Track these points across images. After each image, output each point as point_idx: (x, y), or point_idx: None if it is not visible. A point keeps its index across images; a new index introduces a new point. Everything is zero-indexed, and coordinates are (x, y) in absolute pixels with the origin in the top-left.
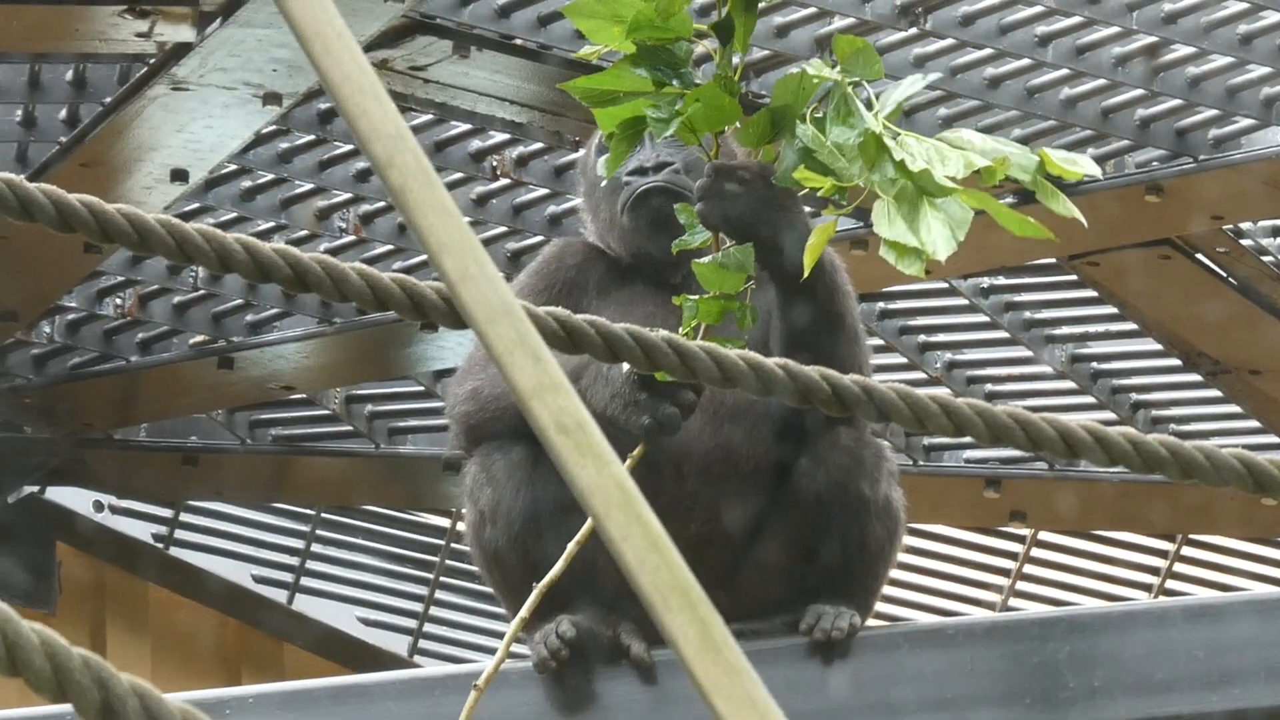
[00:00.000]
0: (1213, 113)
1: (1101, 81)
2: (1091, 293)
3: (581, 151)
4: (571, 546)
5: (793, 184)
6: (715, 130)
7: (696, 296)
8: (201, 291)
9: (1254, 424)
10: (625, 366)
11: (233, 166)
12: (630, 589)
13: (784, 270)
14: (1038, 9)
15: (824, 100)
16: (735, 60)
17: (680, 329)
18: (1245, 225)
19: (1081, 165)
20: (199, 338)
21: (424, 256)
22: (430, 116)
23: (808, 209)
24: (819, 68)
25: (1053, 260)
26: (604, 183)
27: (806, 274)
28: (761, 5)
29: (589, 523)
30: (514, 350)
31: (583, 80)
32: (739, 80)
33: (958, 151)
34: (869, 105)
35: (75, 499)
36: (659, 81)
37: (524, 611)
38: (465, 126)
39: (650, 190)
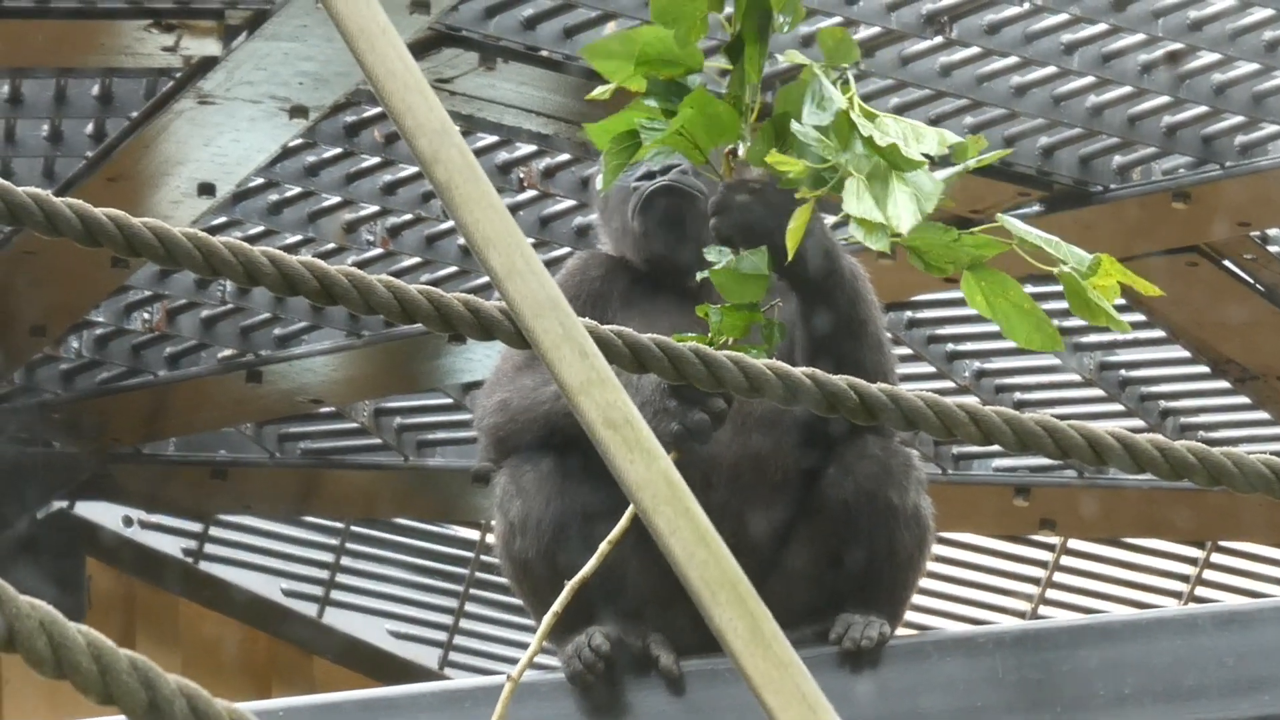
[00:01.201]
0: (1239, 119)
1: (1128, 89)
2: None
3: (595, 167)
4: (604, 546)
5: (801, 189)
6: (714, 143)
7: (720, 305)
8: (229, 305)
9: None
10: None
11: (260, 180)
12: (657, 599)
13: (802, 278)
14: (1063, 17)
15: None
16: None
17: (709, 339)
18: (1272, 231)
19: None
20: (227, 351)
21: (453, 268)
22: (457, 128)
23: (825, 216)
24: (791, 57)
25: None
26: (614, 194)
27: (790, 258)
28: (778, 25)
29: (622, 522)
30: (561, 345)
31: (601, 124)
32: (751, 101)
33: (934, 130)
34: (844, 90)
35: (104, 513)
36: (670, 113)
37: (557, 606)
38: (492, 138)
39: (657, 190)
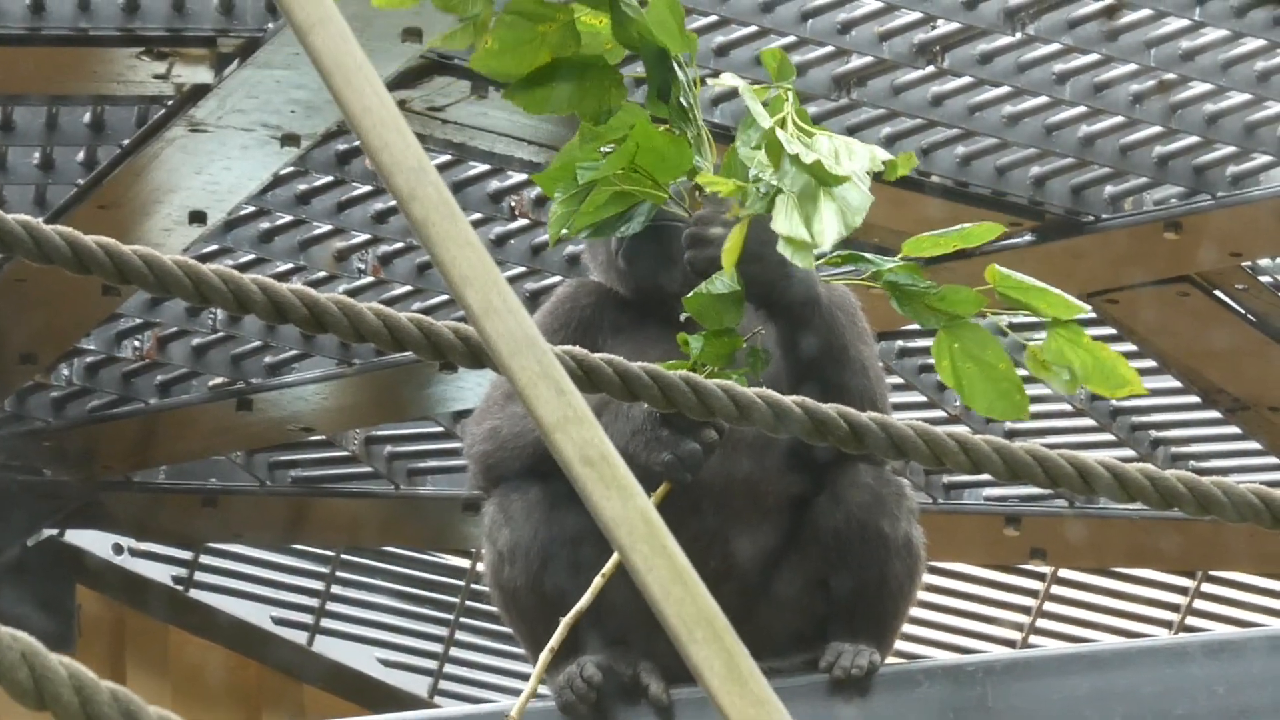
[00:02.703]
0: (1231, 149)
1: (1119, 119)
2: (1110, 329)
3: None
4: (598, 580)
5: (734, 208)
6: (670, 177)
7: (700, 333)
8: (220, 333)
9: (1274, 460)
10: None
11: (251, 208)
12: (647, 626)
13: (779, 306)
14: (1055, 47)
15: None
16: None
17: (690, 366)
18: (1263, 261)
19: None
20: (218, 379)
21: (443, 297)
22: (448, 157)
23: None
24: (725, 80)
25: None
26: None
27: (728, 271)
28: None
29: (615, 557)
30: (538, 383)
31: (547, 173)
32: (694, 132)
33: (866, 147)
34: (777, 107)
35: (94, 541)
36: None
37: (553, 643)
38: (483, 167)
39: (641, 233)
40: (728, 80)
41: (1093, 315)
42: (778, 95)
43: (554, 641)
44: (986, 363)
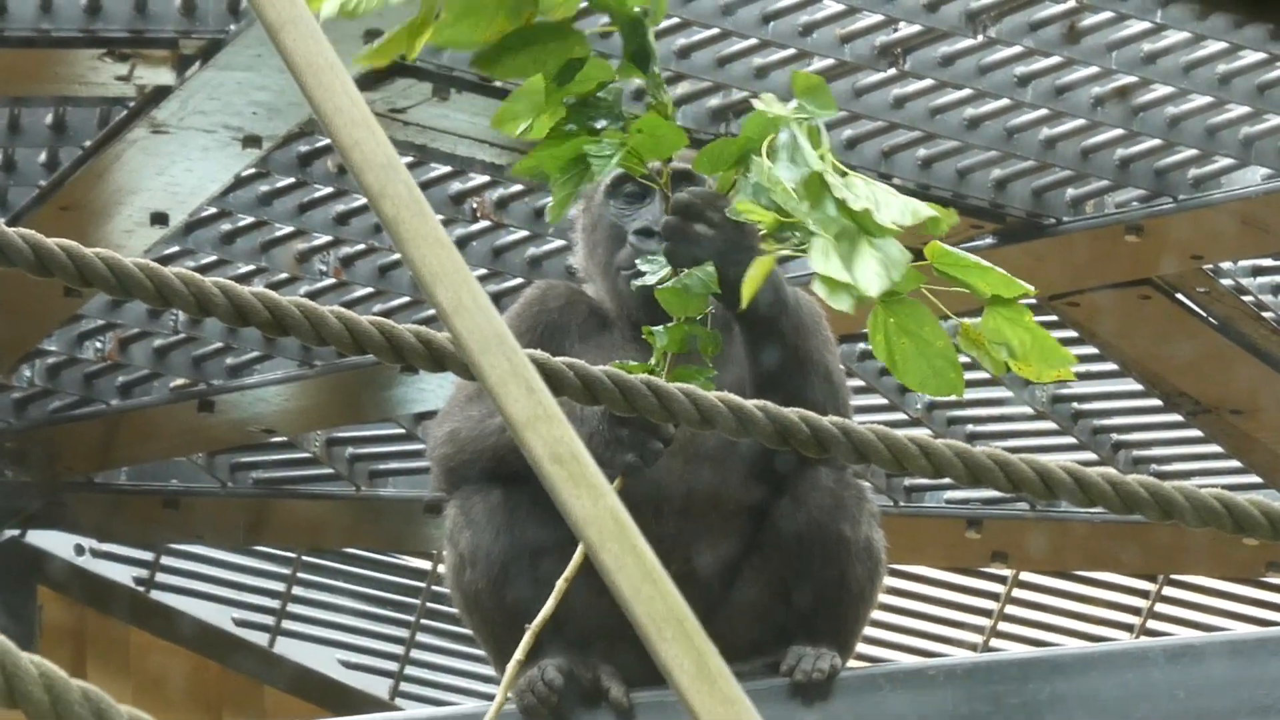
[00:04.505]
0: (1192, 153)
1: (1080, 121)
2: (1072, 333)
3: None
4: (560, 583)
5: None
6: (659, 156)
7: (664, 326)
8: (182, 335)
9: (1235, 464)
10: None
11: (213, 210)
12: (608, 630)
13: (747, 311)
14: (1016, 50)
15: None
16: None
17: (654, 361)
18: (1225, 265)
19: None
20: (179, 381)
21: (405, 299)
22: (410, 159)
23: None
24: (769, 103)
25: (1032, 300)
26: (607, 221)
27: (744, 305)
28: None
29: (575, 559)
30: (508, 381)
31: (526, 161)
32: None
33: (902, 198)
34: (815, 142)
35: (56, 542)
36: (594, 131)
37: (519, 653)
38: (445, 169)
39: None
40: (770, 105)
41: (1035, 304)
42: (811, 128)
43: (520, 652)
44: (922, 339)
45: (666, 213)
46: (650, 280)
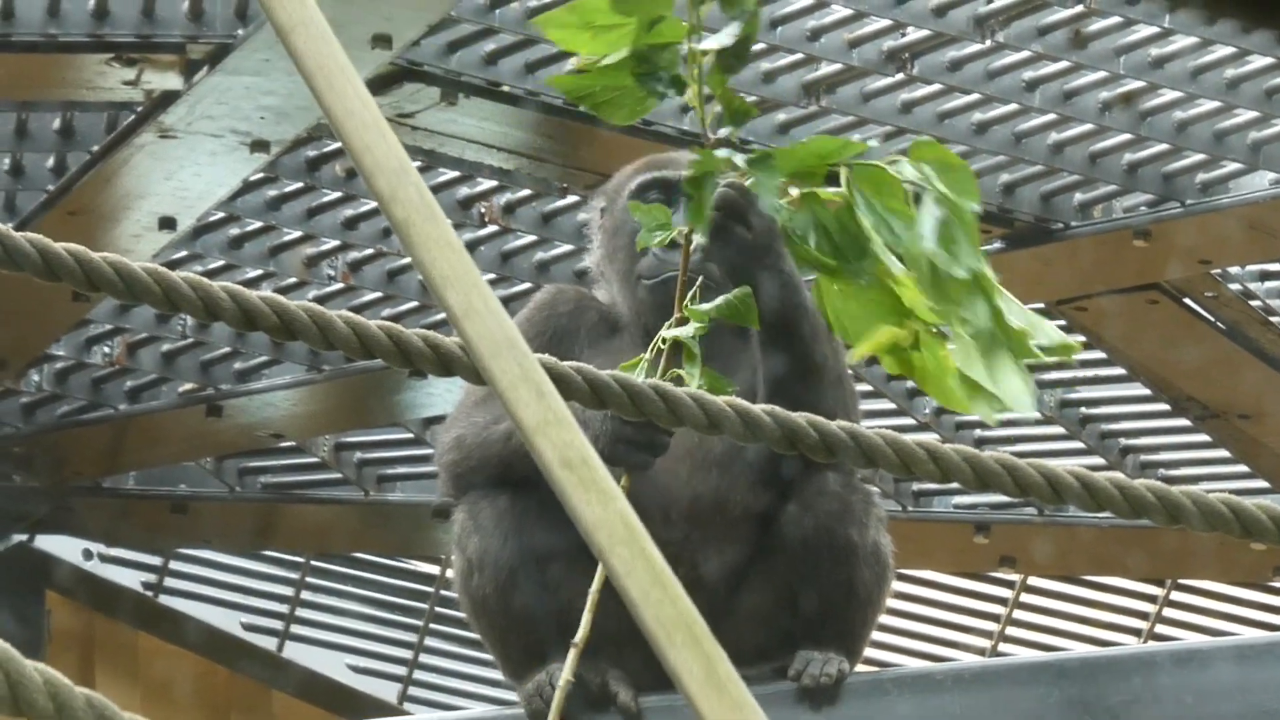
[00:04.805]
0: (1200, 157)
1: (1089, 126)
2: (1079, 337)
3: (616, 177)
4: (593, 594)
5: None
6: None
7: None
8: (190, 340)
9: (1243, 468)
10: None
11: (221, 214)
12: (616, 635)
13: (767, 310)
14: (1024, 54)
15: (914, 198)
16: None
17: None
18: (1233, 269)
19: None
20: (187, 386)
21: (413, 303)
22: (418, 164)
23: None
24: (910, 174)
25: (1040, 305)
26: (630, 228)
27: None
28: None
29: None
30: (518, 385)
31: (570, 79)
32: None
33: (1052, 324)
34: (972, 235)
35: (64, 547)
36: (652, 91)
37: (566, 673)
38: (453, 173)
39: (674, 280)
40: (908, 174)
41: (1043, 309)
42: (967, 217)
43: (567, 672)
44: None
45: (703, 208)
46: (651, 242)
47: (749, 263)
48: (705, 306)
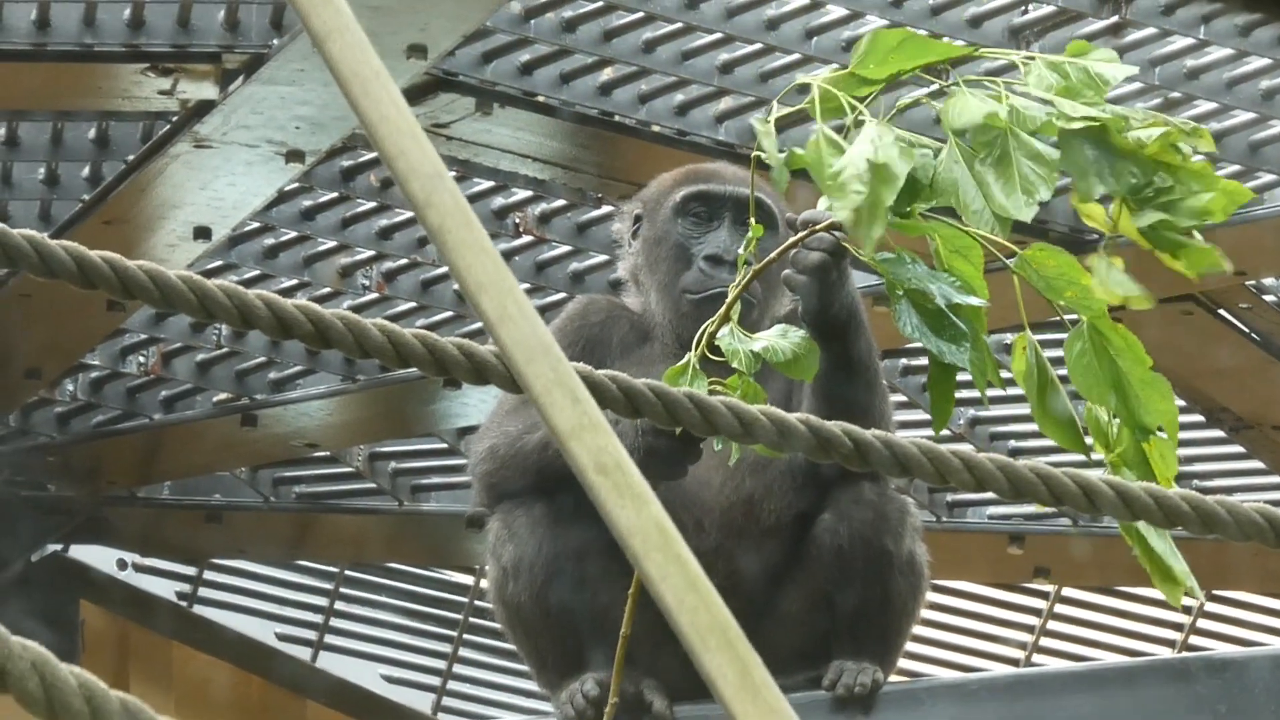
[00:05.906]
0: (1236, 168)
1: None
2: None
3: (655, 186)
4: (629, 607)
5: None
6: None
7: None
8: (225, 349)
9: (1277, 479)
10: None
11: (256, 224)
12: (651, 643)
13: (826, 322)
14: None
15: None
16: None
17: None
18: (1268, 280)
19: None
20: (222, 395)
21: (448, 313)
22: (453, 174)
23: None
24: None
25: (1074, 316)
26: (673, 239)
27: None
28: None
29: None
30: (552, 390)
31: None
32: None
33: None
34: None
35: (99, 556)
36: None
37: (613, 695)
38: (488, 183)
39: (719, 296)
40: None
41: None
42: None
43: (613, 693)
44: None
45: (790, 242)
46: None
47: (833, 302)
48: (759, 348)
